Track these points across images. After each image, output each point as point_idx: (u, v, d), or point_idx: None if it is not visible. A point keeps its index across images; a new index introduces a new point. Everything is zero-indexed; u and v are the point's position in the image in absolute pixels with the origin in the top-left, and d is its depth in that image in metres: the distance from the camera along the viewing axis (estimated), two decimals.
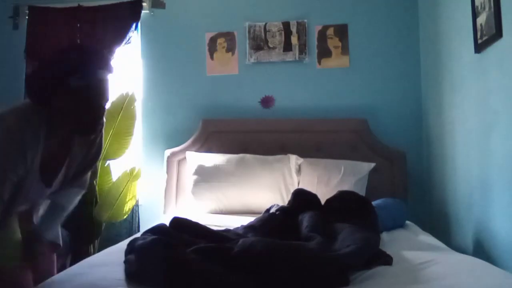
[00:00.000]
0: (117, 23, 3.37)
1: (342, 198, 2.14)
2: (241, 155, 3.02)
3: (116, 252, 1.73)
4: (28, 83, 1.55)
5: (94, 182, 3.01)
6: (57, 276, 1.42)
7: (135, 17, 3.38)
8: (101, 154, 1.88)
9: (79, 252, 2.61)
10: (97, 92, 1.51)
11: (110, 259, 1.61)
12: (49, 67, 1.47)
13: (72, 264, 1.78)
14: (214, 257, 1.39)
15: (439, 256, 1.65)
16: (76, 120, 1.50)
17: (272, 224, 1.95)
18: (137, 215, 3.30)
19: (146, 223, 3.06)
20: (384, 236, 2.19)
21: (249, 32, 3.36)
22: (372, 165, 2.95)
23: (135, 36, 3.42)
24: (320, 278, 1.34)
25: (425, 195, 3.16)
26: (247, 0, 3.44)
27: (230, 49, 3.39)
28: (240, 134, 3.20)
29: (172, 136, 3.32)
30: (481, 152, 2.29)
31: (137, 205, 3.26)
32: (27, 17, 3.47)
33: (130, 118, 3.17)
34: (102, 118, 1.59)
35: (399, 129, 3.24)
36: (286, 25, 3.34)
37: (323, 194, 2.56)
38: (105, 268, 1.51)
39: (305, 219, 1.86)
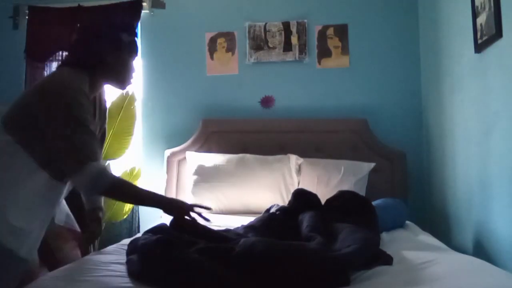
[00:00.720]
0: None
1: (342, 198, 2.14)
2: (241, 155, 3.02)
3: (116, 252, 1.73)
4: (79, 46, 1.67)
5: None
6: (57, 276, 1.42)
7: (135, 17, 3.38)
8: (105, 143, 1.94)
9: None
10: (136, 47, 1.74)
11: (110, 259, 1.61)
12: (104, 27, 1.68)
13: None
14: (216, 257, 1.39)
15: (439, 256, 1.65)
16: (122, 74, 1.69)
17: (272, 224, 1.95)
18: (137, 215, 3.31)
19: (146, 223, 3.06)
20: (384, 236, 2.19)
21: (249, 32, 3.36)
22: (372, 165, 2.95)
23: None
24: (320, 278, 1.34)
25: (425, 195, 3.16)
26: (247, 0, 3.44)
27: (230, 49, 3.40)
28: (240, 134, 3.19)
29: (172, 136, 3.32)
30: (481, 152, 2.29)
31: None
32: (27, 17, 3.47)
33: (130, 118, 3.17)
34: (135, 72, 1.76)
35: (399, 129, 3.24)
36: (286, 25, 3.34)
37: (323, 194, 2.56)
38: (107, 268, 1.50)
39: (305, 219, 1.86)
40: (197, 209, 1.78)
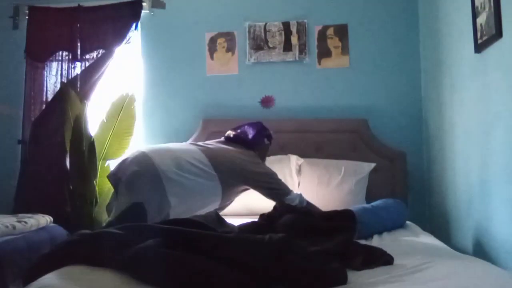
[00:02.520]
0: (117, 23, 3.38)
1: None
2: None
3: None
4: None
5: (94, 182, 3.01)
6: (56, 276, 1.42)
7: (135, 17, 3.38)
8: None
9: None
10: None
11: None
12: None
13: None
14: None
15: (439, 256, 1.65)
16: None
17: (253, 227, 1.95)
18: None
19: None
20: (385, 236, 2.19)
21: (249, 32, 3.36)
22: (372, 165, 2.95)
23: (135, 36, 3.42)
24: (317, 276, 1.34)
25: (425, 195, 3.16)
26: (247, 0, 3.44)
27: (230, 49, 3.40)
28: None
29: (172, 136, 3.31)
30: (481, 152, 2.29)
31: None
32: (27, 17, 3.47)
33: (130, 118, 3.17)
34: None
35: (399, 129, 3.24)
36: (286, 25, 3.34)
37: (324, 194, 2.57)
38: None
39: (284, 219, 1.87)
40: None
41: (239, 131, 2.59)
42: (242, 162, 2.37)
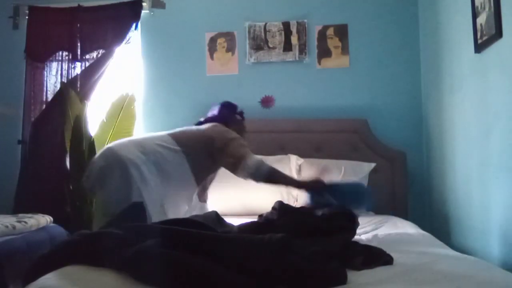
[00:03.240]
0: (117, 23, 3.38)
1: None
2: None
3: None
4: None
5: None
6: (56, 276, 1.42)
7: (135, 17, 3.39)
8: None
9: None
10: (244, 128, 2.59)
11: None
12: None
13: None
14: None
15: (439, 256, 1.65)
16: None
17: (252, 227, 1.94)
18: None
19: None
20: (384, 236, 2.19)
21: (249, 32, 3.36)
22: (372, 165, 2.95)
23: (135, 36, 3.42)
24: (317, 276, 1.34)
25: (425, 195, 3.16)
26: (247, 0, 3.44)
27: (230, 49, 3.40)
28: None
29: None
30: (481, 152, 2.29)
31: None
32: (27, 17, 3.47)
33: (130, 118, 3.17)
34: None
35: (399, 129, 3.24)
36: (286, 25, 3.34)
37: None
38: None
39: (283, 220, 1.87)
40: (323, 177, 2.13)
41: (208, 114, 2.55)
42: (205, 133, 2.28)
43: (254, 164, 2.14)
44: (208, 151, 2.23)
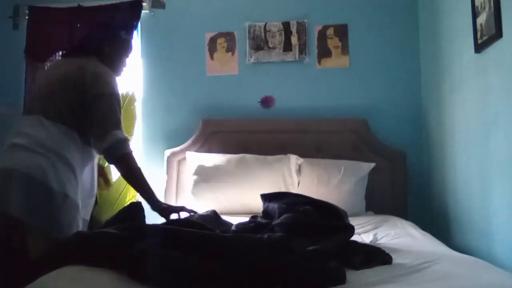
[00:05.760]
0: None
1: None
2: (241, 155, 3.01)
3: None
4: (91, 36, 2.04)
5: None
6: (55, 276, 1.42)
7: (135, 17, 3.38)
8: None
9: None
10: (130, 46, 2.10)
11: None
12: (108, 25, 2.11)
13: None
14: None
15: (439, 256, 1.65)
16: (115, 64, 2.03)
17: (251, 226, 1.94)
18: None
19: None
20: (384, 236, 2.19)
21: (249, 32, 3.36)
22: (372, 165, 2.95)
23: (135, 36, 3.42)
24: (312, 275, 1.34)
25: (425, 195, 3.16)
26: (247, 0, 3.44)
27: (230, 49, 3.39)
28: (240, 134, 3.19)
29: (172, 136, 3.32)
30: (481, 152, 2.29)
31: None
32: (27, 17, 3.47)
33: (130, 118, 3.17)
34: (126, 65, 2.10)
35: (399, 129, 3.24)
36: (286, 25, 3.34)
37: (323, 194, 2.56)
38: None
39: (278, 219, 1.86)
40: (182, 213, 2.05)
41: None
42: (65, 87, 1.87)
43: (110, 142, 1.86)
44: (68, 112, 1.87)
